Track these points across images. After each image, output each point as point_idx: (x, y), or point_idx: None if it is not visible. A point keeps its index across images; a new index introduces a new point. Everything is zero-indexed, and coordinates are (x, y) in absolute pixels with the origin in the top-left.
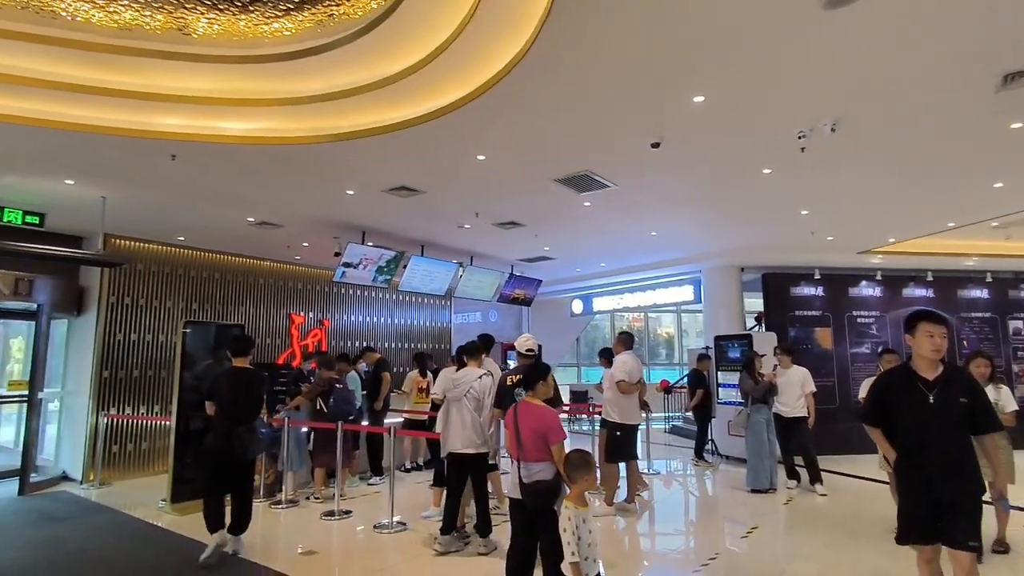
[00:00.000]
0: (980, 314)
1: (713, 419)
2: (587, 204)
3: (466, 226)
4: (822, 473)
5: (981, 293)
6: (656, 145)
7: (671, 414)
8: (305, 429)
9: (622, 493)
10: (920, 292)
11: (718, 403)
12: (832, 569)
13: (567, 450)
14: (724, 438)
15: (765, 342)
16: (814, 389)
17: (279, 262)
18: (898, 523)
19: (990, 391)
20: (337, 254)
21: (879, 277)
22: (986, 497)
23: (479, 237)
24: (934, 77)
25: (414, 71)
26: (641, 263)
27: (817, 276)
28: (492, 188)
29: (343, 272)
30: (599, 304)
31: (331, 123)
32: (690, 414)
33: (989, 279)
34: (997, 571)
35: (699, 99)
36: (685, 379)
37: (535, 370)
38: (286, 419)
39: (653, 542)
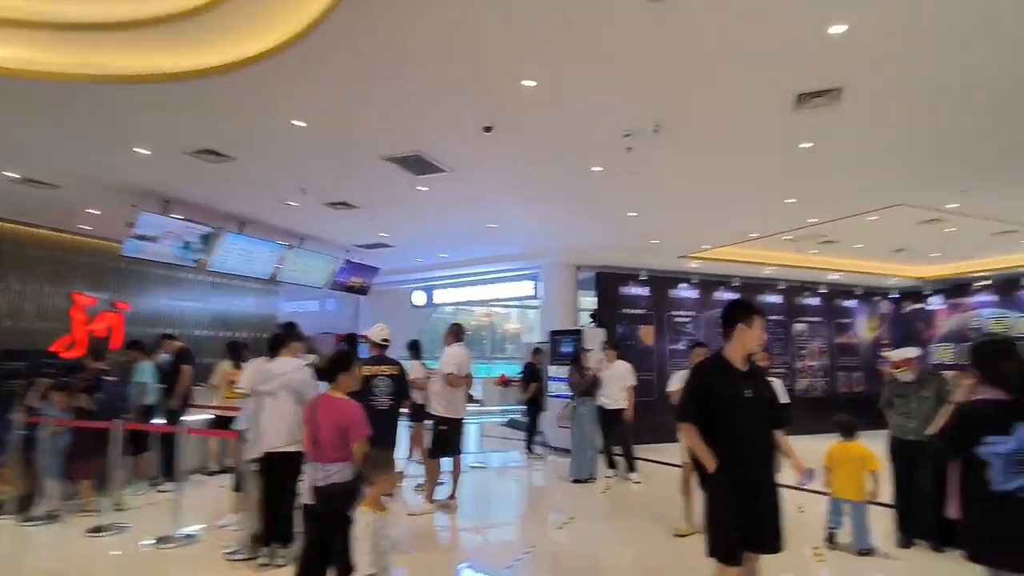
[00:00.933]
0: (774, 317)
1: (544, 412)
2: (424, 189)
3: (293, 204)
4: (638, 462)
5: (775, 299)
6: (488, 129)
7: (509, 408)
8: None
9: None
10: (729, 296)
11: (550, 396)
12: (643, 555)
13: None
14: (554, 430)
15: (594, 338)
16: (635, 383)
17: (59, 231)
18: (712, 538)
19: None
20: (130, 225)
21: (696, 280)
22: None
23: (309, 217)
24: (739, 93)
25: (198, 12)
26: (482, 256)
27: (643, 277)
28: (317, 161)
29: (136, 246)
30: (440, 296)
31: (101, 60)
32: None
33: (782, 286)
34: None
35: (530, 84)
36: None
37: (337, 361)
38: (47, 417)
39: (473, 537)
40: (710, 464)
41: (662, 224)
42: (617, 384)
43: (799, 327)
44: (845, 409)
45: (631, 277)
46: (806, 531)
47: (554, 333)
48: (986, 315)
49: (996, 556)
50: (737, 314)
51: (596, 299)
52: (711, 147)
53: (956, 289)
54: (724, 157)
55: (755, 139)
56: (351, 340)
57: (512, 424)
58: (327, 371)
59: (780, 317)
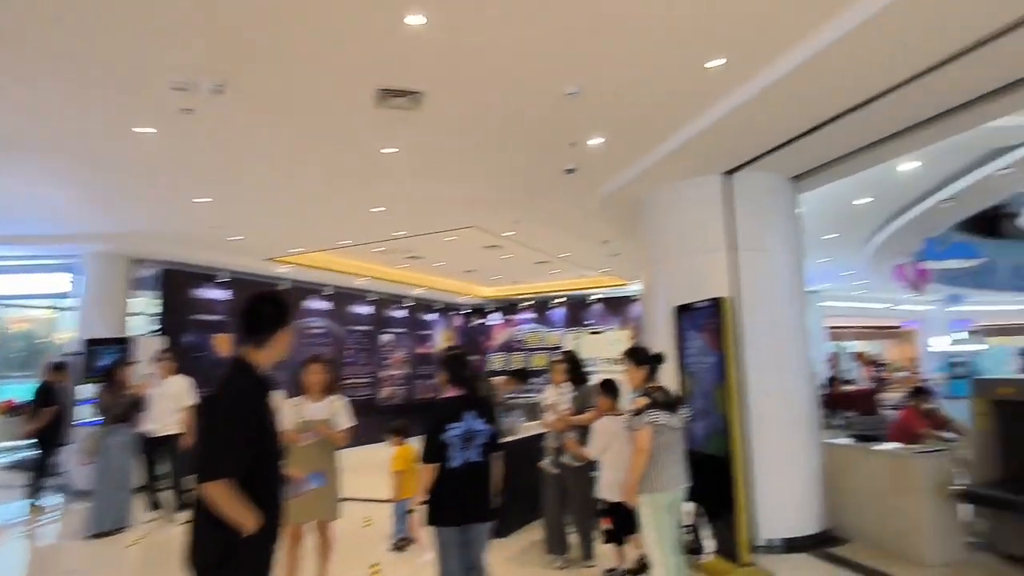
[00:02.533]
0: (363, 328)
1: (64, 446)
2: None
3: None
4: (191, 495)
5: (366, 309)
6: None
7: (18, 444)
8: None
9: None
10: (321, 304)
11: (75, 425)
12: None
13: None
14: (79, 469)
15: (148, 348)
16: (194, 401)
17: None
18: None
19: (325, 405)
20: None
21: (287, 286)
22: None
23: None
24: (320, 66)
25: None
26: None
27: (224, 279)
28: None
29: None
30: None
31: None
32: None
33: (373, 298)
34: None
35: None
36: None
37: None
38: None
39: None
40: (252, 523)
41: (243, 218)
42: (169, 404)
43: (385, 337)
44: (421, 414)
45: (208, 278)
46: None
47: (91, 342)
48: (526, 330)
49: (443, 517)
50: (279, 314)
51: (161, 301)
52: (293, 132)
53: (509, 307)
54: (308, 147)
55: (340, 131)
56: None
57: (21, 465)
58: None
59: (369, 328)
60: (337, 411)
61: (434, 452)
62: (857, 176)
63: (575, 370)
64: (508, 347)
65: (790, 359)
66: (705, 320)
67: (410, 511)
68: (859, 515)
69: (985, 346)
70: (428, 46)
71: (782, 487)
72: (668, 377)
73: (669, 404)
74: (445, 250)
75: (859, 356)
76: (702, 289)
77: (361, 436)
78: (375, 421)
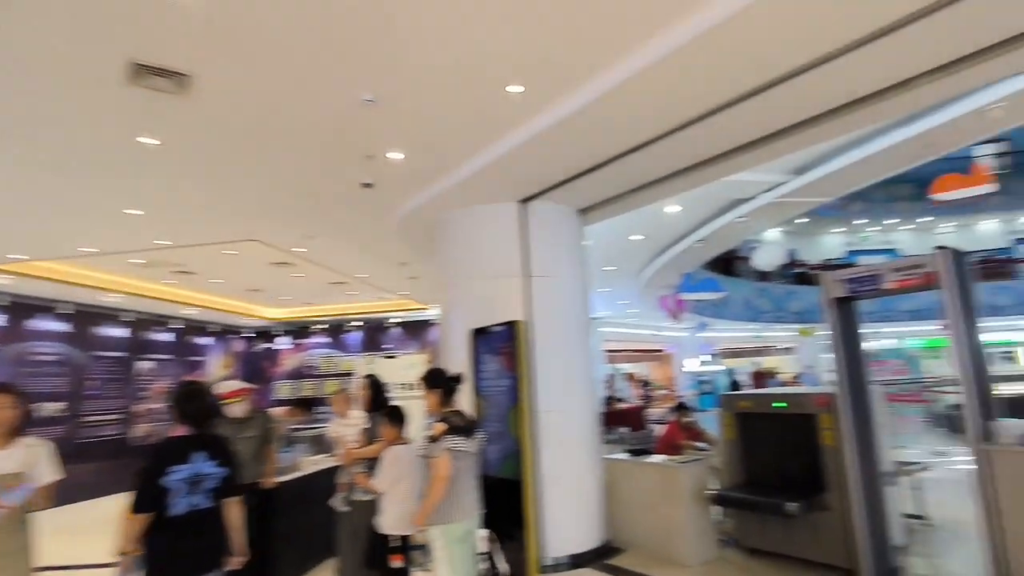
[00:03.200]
0: (114, 353)
1: None
2: None
3: None
4: None
5: (119, 332)
6: None
7: None
8: None
9: None
10: (54, 325)
11: None
12: None
13: None
14: None
15: None
16: None
17: None
18: None
19: (14, 452)
20: None
21: (5, 302)
22: None
23: None
24: (58, 43)
25: None
26: None
27: None
28: None
29: None
30: None
31: None
32: None
33: (129, 318)
34: None
35: None
36: None
37: None
38: None
39: None
40: None
41: None
42: None
43: (144, 365)
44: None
45: None
46: None
47: None
48: (319, 355)
49: (168, 570)
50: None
51: None
52: (18, 101)
53: (300, 331)
54: (42, 127)
55: (84, 110)
56: None
57: None
58: None
59: (123, 353)
60: (34, 460)
61: (148, 499)
62: (633, 215)
63: (377, 396)
64: (298, 374)
65: (577, 381)
66: (500, 343)
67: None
68: (633, 525)
69: (723, 367)
70: (195, 21)
71: (568, 506)
72: (464, 401)
73: (466, 429)
74: (224, 265)
75: (630, 377)
76: (497, 313)
77: (107, 484)
78: (124, 465)
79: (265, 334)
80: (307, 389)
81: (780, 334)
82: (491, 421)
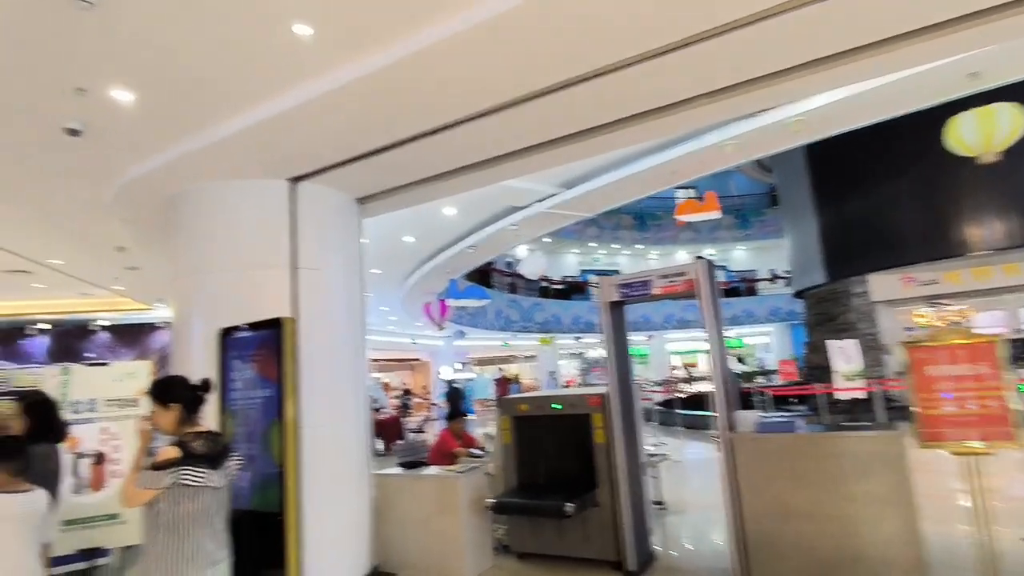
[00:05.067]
0: None
1: None
2: None
3: None
4: None
5: None
6: None
7: None
8: None
9: None
10: None
11: None
12: None
13: None
14: None
15: None
16: None
17: None
18: None
19: None
20: None
21: None
22: None
23: None
24: None
25: None
26: None
27: None
28: None
29: None
30: None
31: None
32: None
33: None
34: None
35: None
36: None
37: None
38: None
39: None
40: None
41: None
42: None
43: None
44: None
45: None
46: None
47: None
48: None
49: None
50: None
51: None
52: None
53: None
54: None
55: None
56: None
57: None
58: None
59: None
60: None
61: None
62: (407, 215)
63: (39, 420)
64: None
65: (347, 390)
66: (256, 347)
67: None
68: (407, 544)
69: (474, 374)
70: None
71: (334, 534)
72: (209, 418)
73: (212, 457)
74: None
75: (386, 386)
76: (254, 310)
77: None
78: None
79: None
80: None
81: (525, 343)
82: (241, 442)
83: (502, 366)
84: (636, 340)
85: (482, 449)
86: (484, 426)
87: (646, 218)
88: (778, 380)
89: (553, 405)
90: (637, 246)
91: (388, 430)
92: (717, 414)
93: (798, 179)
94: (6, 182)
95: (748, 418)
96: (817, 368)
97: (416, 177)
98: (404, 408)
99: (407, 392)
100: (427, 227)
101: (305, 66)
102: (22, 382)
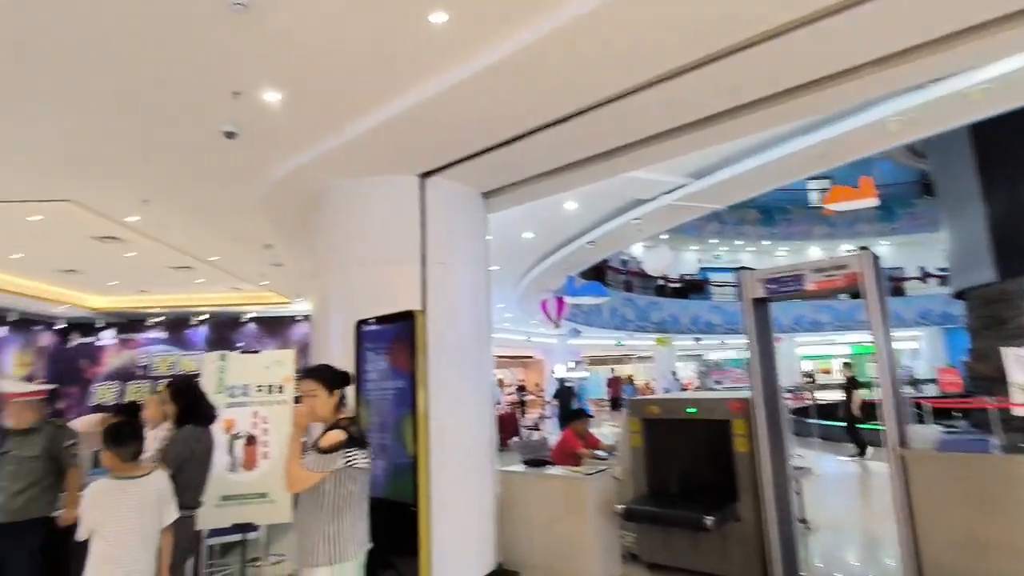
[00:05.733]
0: None
1: None
2: None
3: None
4: None
5: None
6: None
7: None
8: None
9: None
10: None
11: None
12: None
13: None
14: None
15: None
16: None
17: None
18: None
19: None
20: None
21: None
22: None
23: None
24: None
25: None
26: None
27: None
28: None
29: None
30: None
31: None
32: None
33: None
34: None
35: None
36: None
37: None
38: None
39: None
40: None
41: None
42: None
43: None
44: None
45: None
46: None
47: None
48: (155, 352)
49: None
50: None
51: None
52: None
53: (130, 324)
54: None
55: None
56: None
57: None
58: None
59: None
60: None
61: None
62: (527, 211)
63: (186, 404)
64: (126, 374)
65: (473, 384)
66: (390, 339)
67: None
68: (530, 544)
69: (587, 373)
70: None
71: (462, 527)
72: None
73: (364, 441)
74: (30, 237)
75: (500, 382)
76: (388, 303)
77: None
78: None
79: (84, 326)
80: (133, 392)
81: (640, 343)
82: (374, 431)
83: (615, 366)
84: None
85: (607, 451)
86: (598, 427)
87: (774, 212)
88: (934, 390)
89: (688, 409)
90: (763, 242)
91: (504, 426)
92: (885, 426)
93: (960, 162)
94: (174, 183)
95: (925, 433)
96: (984, 379)
97: (541, 169)
98: (520, 405)
99: (522, 388)
100: (547, 223)
101: (440, 55)
102: (186, 366)
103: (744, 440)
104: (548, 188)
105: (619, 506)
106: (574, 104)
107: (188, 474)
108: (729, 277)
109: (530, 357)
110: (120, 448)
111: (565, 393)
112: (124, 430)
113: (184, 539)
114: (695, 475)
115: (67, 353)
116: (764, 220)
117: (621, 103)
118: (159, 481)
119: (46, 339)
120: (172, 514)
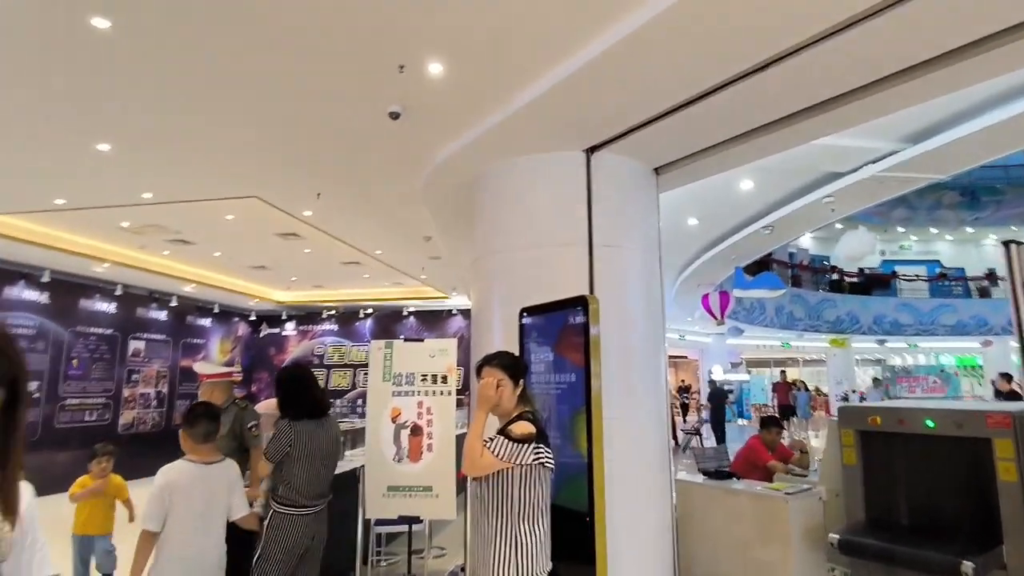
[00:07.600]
0: (101, 330)
1: None
2: None
3: None
4: None
5: (107, 307)
6: None
7: None
8: None
9: None
10: (31, 295)
11: None
12: None
13: None
14: None
15: None
16: None
17: None
18: None
19: None
20: None
21: None
22: None
23: None
24: None
25: None
26: None
27: None
28: None
29: None
30: None
31: None
32: None
33: (118, 292)
34: None
35: None
36: None
37: None
38: None
39: None
40: None
41: None
42: None
43: (136, 345)
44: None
45: None
46: None
47: None
48: (328, 343)
49: None
50: None
51: None
52: None
53: (308, 316)
54: None
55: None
56: None
57: None
58: None
59: (110, 331)
60: None
61: None
62: (690, 194)
63: (283, 396)
64: (304, 362)
65: (644, 380)
66: (558, 327)
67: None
68: (715, 567)
69: (748, 376)
70: None
71: (642, 537)
72: None
73: (547, 438)
74: (224, 236)
75: None
76: (553, 289)
77: None
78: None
79: (273, 319)
80: None
81: (809, 344)
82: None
83: (779, 368)
84: (960, 346)
85: (804, 467)
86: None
87: (979, 192)
88: None
89: (925, 421)
90: (966, 229)
91: None
92: None
93: None
94: (341, 173)
95: None
96: None
97: (721, 137)
98: (683, 408)
99: (686, 389)
100: (716, 206)
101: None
102: (354, 357)
103: (1011, 466)
104: (726, 160)
105: (834, 535)
106: (767, 51)
107: (287, 468)
108: (920, 270)
109: (684, 357)
110: (191, 428)
111: (718, 395)
112: (197, 410)
113: (283, 539)
114: (934, 505)
115: (259, 342)
116: (968, 203)
117: (820, 46)
118: (230, 470)
119: (242, 329)
120: (240, 508)
